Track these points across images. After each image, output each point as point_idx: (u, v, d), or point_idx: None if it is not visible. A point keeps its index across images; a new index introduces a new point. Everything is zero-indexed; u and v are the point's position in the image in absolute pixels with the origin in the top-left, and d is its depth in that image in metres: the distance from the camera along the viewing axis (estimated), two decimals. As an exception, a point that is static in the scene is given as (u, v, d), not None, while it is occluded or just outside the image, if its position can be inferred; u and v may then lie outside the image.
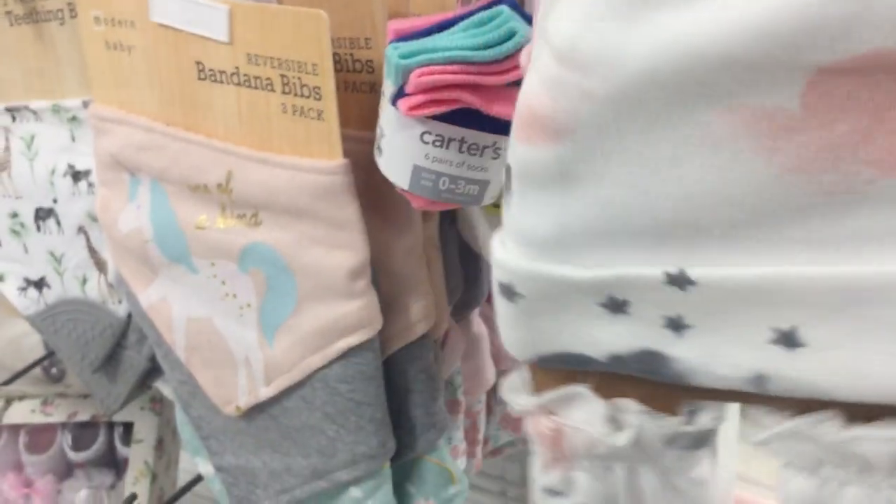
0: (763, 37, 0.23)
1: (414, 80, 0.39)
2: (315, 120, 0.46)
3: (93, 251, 0.66)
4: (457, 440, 0.64)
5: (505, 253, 0.31)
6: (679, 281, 0.28)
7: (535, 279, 0.31)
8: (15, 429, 0.97)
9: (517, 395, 0.35)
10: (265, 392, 0.55)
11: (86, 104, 0.60)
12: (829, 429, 0.28)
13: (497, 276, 0.32)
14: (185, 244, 0.54)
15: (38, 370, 1.11)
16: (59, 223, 0.66)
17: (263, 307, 0.53)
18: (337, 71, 0.46)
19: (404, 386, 0.55)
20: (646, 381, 0.31)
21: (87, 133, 0.60)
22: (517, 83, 0.40)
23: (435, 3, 0.45)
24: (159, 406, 0.94)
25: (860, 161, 0.24)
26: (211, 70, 0.49)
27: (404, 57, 0.39)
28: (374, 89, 0.48)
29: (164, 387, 0.82)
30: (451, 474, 0.59)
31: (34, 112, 0.63)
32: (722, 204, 0.26)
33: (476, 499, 1.07)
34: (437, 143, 0.41)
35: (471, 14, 0.40)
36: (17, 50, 0.62)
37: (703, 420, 0.32)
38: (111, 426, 0.97)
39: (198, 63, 0.49)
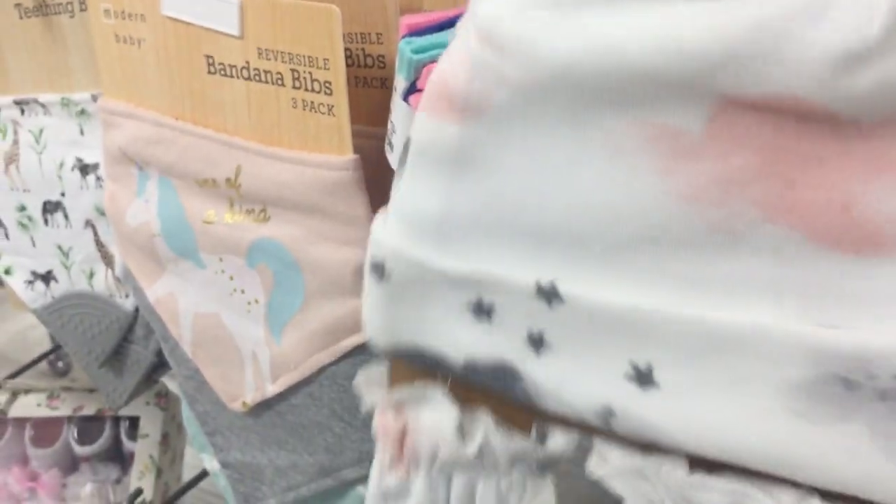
0: (680, 55, 0.23)
1: (426, 76, 0.38)
2: (325, 115, 0.46)
3: (100, 245, 0.66)
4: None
5: (384, 230, 0.31)
6: (548, 294, 0.27)
7: (408, 263, 0.30)
8: (21, 422, 0.97)
9: (370, 388, 0.34)
10: (272, 388, 0.55)
11: (95, 98, 0.60)
12: (672, 473, 0.27)
13: (371, 252, 0.31)
14: (192, 239, 0.54)
15: (43, 364, 1.11)
16: (66, 217, 0.65)
17: (271, 303, 0.52)
18: (348, 66, 0.46)
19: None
20: (503, 397, 0.31)
21: (96, 127, 0.60)
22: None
23: (447, -1, 0.45)
24: (165, 401, 0.94)
25: (748, 200, 0.23)
26: (221, 64, 0.48)
27: (417, 52, 0.39)
28: (386, 85, 0.47)
29: (170, 382, 0.82)
30: (458, 473, 0.58)
31: (43, 105, 0.63)
32: (609, 219, 0.25)
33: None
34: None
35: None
36: (26, 43, 0.62)
37: (553, 444, 0.30)
38: (117, 420, 0.97)
39: (208, 57, 0.49)
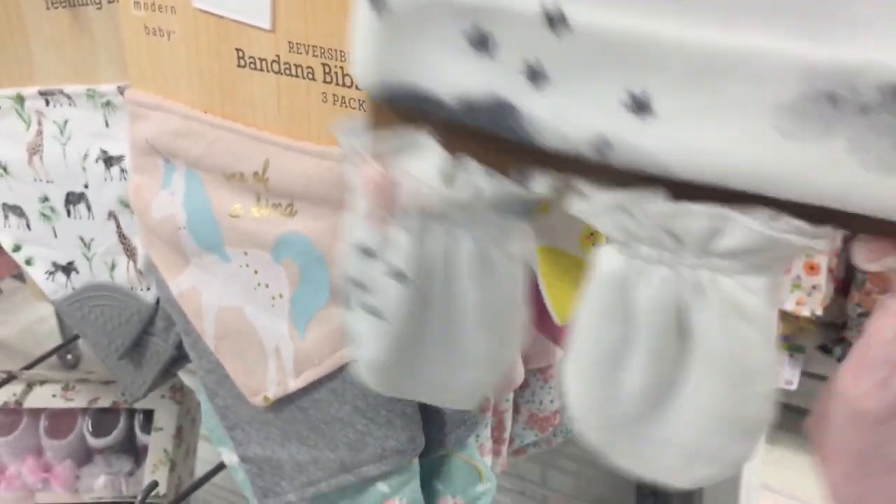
0: None
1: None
2: (356, 110, 0.45)
3: (123, 237, 0.66)
4: (483, 438, 0.63)
5: None
6: (554, 20, 0.27)
7: None
8: (35, 413, 0.97)
9: (352, 136, 0.33)
10: (295, 383, 0.55)
11: (121, 90, 0.60)
12: (652, 204, 0.28)
13: None
14: (218, 232, 0.54)
15: (53, 357, 1.11)
16: (89, 208, 0.65)
17: (296, 298, 0.52)
18: (379, 61, 0.45)
19: (435, 381, 0.55)
20: (485, 141, 0.30)
21: (122, 119, 0.60)
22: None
23: None
24: (179, 395, 0.94)
25: None
26: (251, 58, 0.48)
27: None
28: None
29: (185, 376, 0.82)
30: (479, 472, 0.58)
31: (68, 96, 0.63)
32: None
33: (494, 497, 1.07)
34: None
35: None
36: (52, 34, 0.62)
37: (536, 185, 0.31)
38: (132, 413, 0.97)
39: (238, 50, 0.49)
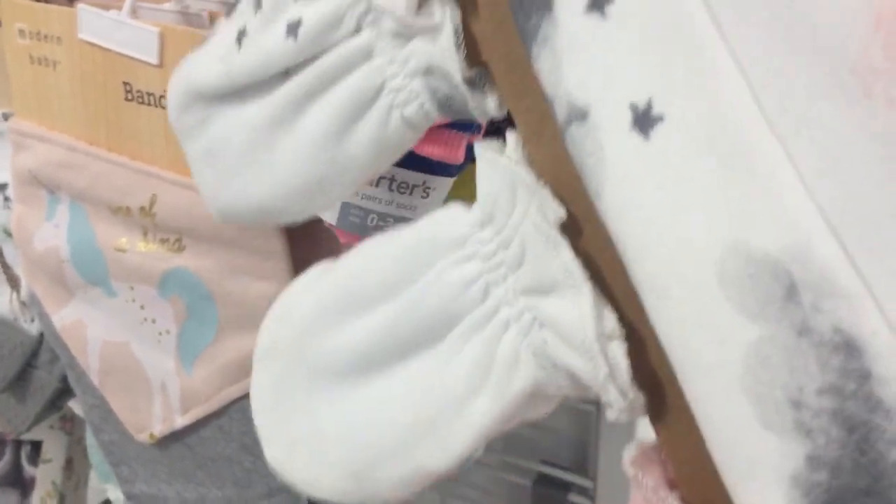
0: None
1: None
2: (244, 149, 0.45)
3: (6, 266, 0.63)
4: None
5: None
6: None
7: None
8: (-86, 445, 0.93)
9: None
10: (181, 420, 0.54)
11: (6, 116, 0.58)
12: (542, 207, 0.24)
13: None
14: (103, 266, 0.53)
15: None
16: (-29, 236, 0.63)
17: (183, 334, 0.52)
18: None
19: (324, 418, 0.55)
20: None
21: (6, 146, 0.58)
22: (449, 126, 0.40)
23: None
24: (70, 425, 0.91)
25: None
26: (139, 91, 0.48)
27: None
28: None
29: (76, 406, 0.80)
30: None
31: (-50, 121, 0.61)
32: None
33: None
34: (367, 181, 0.41)
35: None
36: (-66, 55, 0.60)
37: (484, 100, 0.27)
38: (18, 445, 0.94)
39: (125, 84, 0.48)
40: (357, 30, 0.28)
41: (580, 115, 0.23)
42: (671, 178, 0.22)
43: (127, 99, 0.48)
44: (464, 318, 0.26)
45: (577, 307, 0.23)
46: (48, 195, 0.54)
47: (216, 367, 0.51)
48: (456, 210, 0.27)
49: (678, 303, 0.21)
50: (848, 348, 0.19)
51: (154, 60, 0.46)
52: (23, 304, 0.63)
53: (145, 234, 0.50)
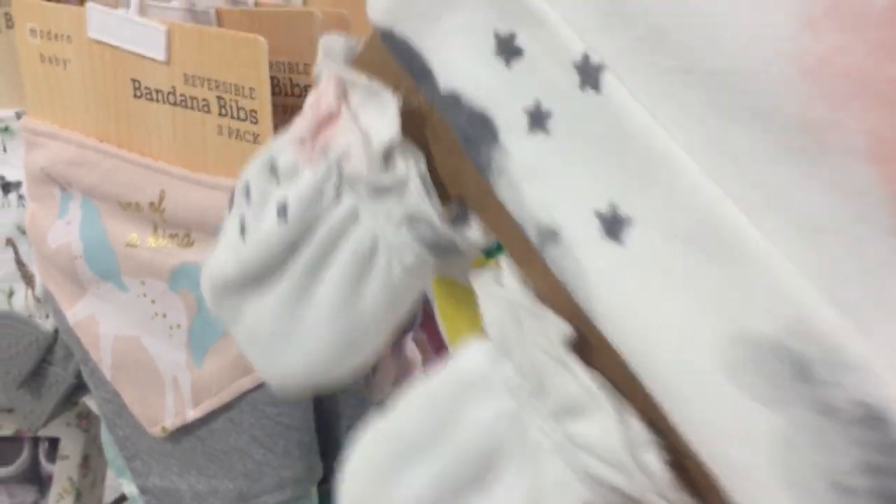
0: None
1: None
2: (250, 143, 0.46)
3: (21, 264, 0.64)
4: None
5: None
6: (587, 73, 0.22)
7: None
8: (-66, 442, 0.94)
9: (332, 56, 0.30)
10: (192, 413, 0.54)
11: (19, 115, 0.59)
12: (546, 331, 0.24)
13: None
14: (115, 262, 0.53)
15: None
16: (-14, 235, 0.64)
17: (193, 328, 0.52)
18: (274, 94, 0.46)
19: (333, 410, 0.55)
20: (448, 148, 0.27)
21: (20, 144, 0.59)
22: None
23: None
24: (86, 422, 0.92)
25: (865, 121, 0.18)
26: (147, 88, 0.48)
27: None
28: (312, 115, 0.48)
29: (92, 403, 0.80)
30: (377, 500, 0.59)
31: (-35, 121, 0.62)
32: (703, 38, 0.20)
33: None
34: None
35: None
36: (-51, 57, 0.61)
37: (469, 235, 0.28)
38: (36, 442, 0.95)
39: (134, 81, 0.49)
40: (338, 197, 0.29)
41: (551, 235, 0.23)
42: (655, 279, 0.21)
43: (136, 96, 0.49)
44: (507, 453, 0.25)
45: (603, 424, 0.23)
46: (61, 193, 0.55)
47: (227, 359, 0.51)
48: (474, 348, 0.27)
49: (694, 404, 0.21)
50: (875, 421, 0.18)
51: (162, 57, 0.47)
52: (38, 300, 0.64)
53: (155, 229, 0.51)
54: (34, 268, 0.63)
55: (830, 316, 0.18)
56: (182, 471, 0.58)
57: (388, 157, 0.28)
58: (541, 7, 0.23)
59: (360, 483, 0.29)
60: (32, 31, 0.52)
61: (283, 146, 0.31)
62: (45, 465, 0.94)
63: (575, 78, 0.22)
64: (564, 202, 0.23)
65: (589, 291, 0.23)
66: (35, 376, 0.68)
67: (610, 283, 0.22)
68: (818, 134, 0.18)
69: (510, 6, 0.24)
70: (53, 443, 0.92)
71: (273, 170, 0.31)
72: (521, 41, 0.24)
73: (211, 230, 0.49)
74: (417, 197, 0.27)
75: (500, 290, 0.26)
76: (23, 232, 0.62)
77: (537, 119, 0.23)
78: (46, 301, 0.62)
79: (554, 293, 0.24)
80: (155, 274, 0.52)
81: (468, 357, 0.27)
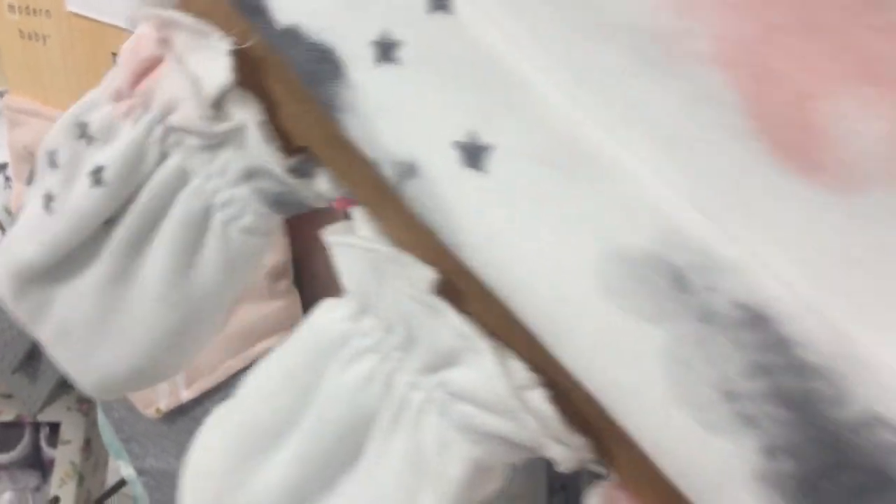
0: None
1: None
2: (235, 116, 0.45)
3: (11, 247, 0.63)
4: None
5: None
6: None
7: None
8: (-65, 429, 0.94)
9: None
10: (186, 394, 0.54)
11: (1, 94, 0.58)
12: (410, 277, 0.22)
13: None
14: (103, 241, 0.52)
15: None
16: (-26, 218, 0.63)
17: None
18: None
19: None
20: (289, 90, 0.24)
21: (3, 124, 0.58)
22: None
23: None
24: (87, 406, 0.91)
25: (711, 26, 0.18)
26: (128, 62, 0.47)
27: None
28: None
29: (90, 386, 0.80)
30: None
31: (-52, 102, 0.61)
32: None
33: None
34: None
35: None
36: (-70, 37, 0.60)
37: (314, 184, 0.25)
38: (37, 426, 0.95)
39: (114, 55, 0.47)
40: (163, 156, 0.26)
41: (409, 171, 0.21)
42: (522, 205, 0.20)
43: (117, 70, 0.48)
44: (376, 418, 0.23)
45: (482, 368, 0.21)
46: (46, 172, 0.54)
47: (219, 339, 0.50)
48: (328, 308, 0.24)
49: (575, 332, 0.20)
50: (756, 321, 0.18)
51: (141, 29, 0.45)
52: (29, 283, 0.63)
53: (142, 207, 0.50)
54: (24, 250, 0.62)
55: (699, 223, 0.18)
56: (179, 452, 0.57)
57: (220, 105, 0.24)
58: None
59: (208, 483, 0.26)
60: (11, 7, 0.51)
61: (95, 102, 0.27)
62: (47, 449, 0.93)
63: (423, 0, 0.21)
64: (421, 134, 0.21)
65: (454, 226, 0.21)
66: (30, 360, 0.68)
67: (475, 214, 0.21)
68: (669, 44, 0.19)
69: None
70: (54, 427, 0.92)
71: (84, 130, 0.27)
72: None
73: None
74: (256, 147, 0.24)
75: (354, 239, 0.23)
76: (10, 213, 0.61)
77: (386, 49, 0.22)
78: (37, 284, 0.61)
79: (416, 238, 0.22)
80: (143, 253, 0.51)
81: (323, 318, 0.24)
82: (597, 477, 0.22)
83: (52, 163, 0.28)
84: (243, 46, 0.23)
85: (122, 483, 0.74)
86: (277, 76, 0.24)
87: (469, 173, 0.20)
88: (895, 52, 0.17)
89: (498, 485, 0.23)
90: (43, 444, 0.94)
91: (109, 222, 0.26)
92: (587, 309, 0.19)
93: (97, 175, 0.26)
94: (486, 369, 0.21)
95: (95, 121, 0.27)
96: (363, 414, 0.23)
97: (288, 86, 0.24)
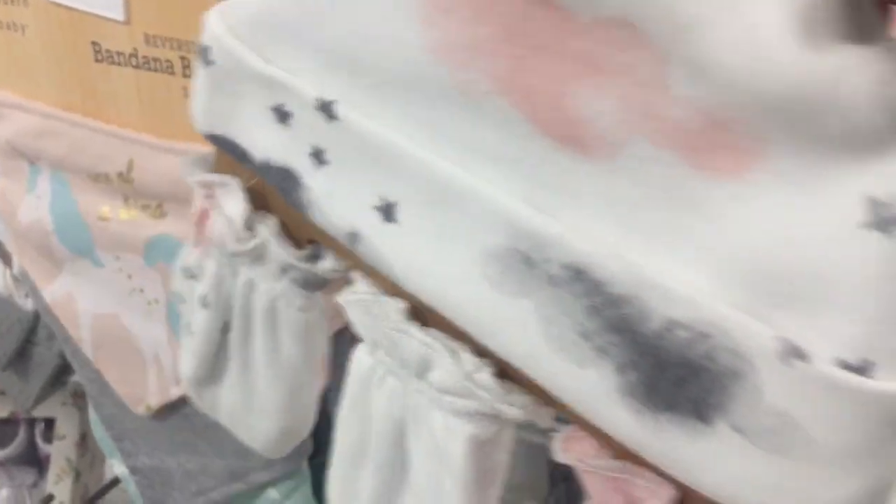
0: None
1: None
2: (219, 105, 0.43)
3: (-3, 243, 0.62)
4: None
5: (216, 18, 0.31)
6: (326, 110, 0.28)
7: (228, 53, 0.31)
8: (-70, 427, 0.93)
9: (195, 167, 0.35)
10: (176, 391, 0.53)
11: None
12: (387, 312, 0.29)
13: (203, 37, 0.32)
14: (88, 236, 0.51)
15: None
16: (-41, 214, 0.62)
17: (171, 302, 0.50)
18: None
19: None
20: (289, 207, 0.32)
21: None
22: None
23: None
24: (82, 401, 0.90)
25: (487, 70, 0.25)
26: (108, 51, 0.46)
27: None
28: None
29: (84, 381, 0.79)
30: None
31: (-71, 95, 0.59)
32: (381, 54, 0.27)
33: None
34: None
35: None
36: None
37: (321, 266, 0.32)
38: (32, 423, 0.93)
39: (94, 44, 0.46)
40: (234, 275, 0.34)
41: (354, 237, 0.29)
42: (423, 238, 0.27)
43: (97, 60, 0.46)
44: (407, 425, 0.29)
45: (445, 366, 0.28)
46: (29, 166, 0.53)
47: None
48: (359, 349, 0.31)
49: (483, 320, 0.26)
50: (579, 274, 0.24)
51: (120, 17, 0.44)
52: (16, 279, 0.62)
53: (126, 200, 0.49)
54: (10, 246, 0.61)
55: (530, 214, 0.24)
56: (171, 449, 0.56)
57: (249, 228, 0.33)
58: (283, 77, 0.29)
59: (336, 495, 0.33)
60: (-12, -3, 0.49)
61: (188, 252, 0.36)
62: (43, 445, 0.92)
63: (321, 115, 0.28)
64: (353, 208, 0.29)
65: (391, 267, 0.28)
66: (20, 357, 0.66)
67: (398, 254, 0.28)
68: (465, 89, 0.25)
69: (272, 86, 0.30)
70: (49, 423, 0.91)
71: (187, 272, 0.36)
72: (287, 107, 0.30)
73: (183, 200, 0.46)
74: (278, 251, 0.32)
75: (352, 295, 0.30)
76: (-5, 208, 0.60)
77: (317, 155, 0.29)
78: (23, 280, 0.60)
79: (383, 282, 0.30)
80: (129, 248, 0.50)
81: (358, 359, 0.31)
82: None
83: (181, 299, 0.38)
84: (250, 185, 0.33)
85: (115, 482, 0.73)
86: (275, 196, 0.32)
87: (388, 226, 0.28)
88: (607, 49, 0.22)
89: (504, 456, 0.29)
90: (38, 440, 0.93)
91: (224, 329, 0.35)
92: (484, 301, 0.26)
93: (203, 300, 0.35)
94: (446, 365, 0.28)
95: (192, 264, 0.36)
96: (398, 424, 0.29)
97: (282, 200, 0.31)
